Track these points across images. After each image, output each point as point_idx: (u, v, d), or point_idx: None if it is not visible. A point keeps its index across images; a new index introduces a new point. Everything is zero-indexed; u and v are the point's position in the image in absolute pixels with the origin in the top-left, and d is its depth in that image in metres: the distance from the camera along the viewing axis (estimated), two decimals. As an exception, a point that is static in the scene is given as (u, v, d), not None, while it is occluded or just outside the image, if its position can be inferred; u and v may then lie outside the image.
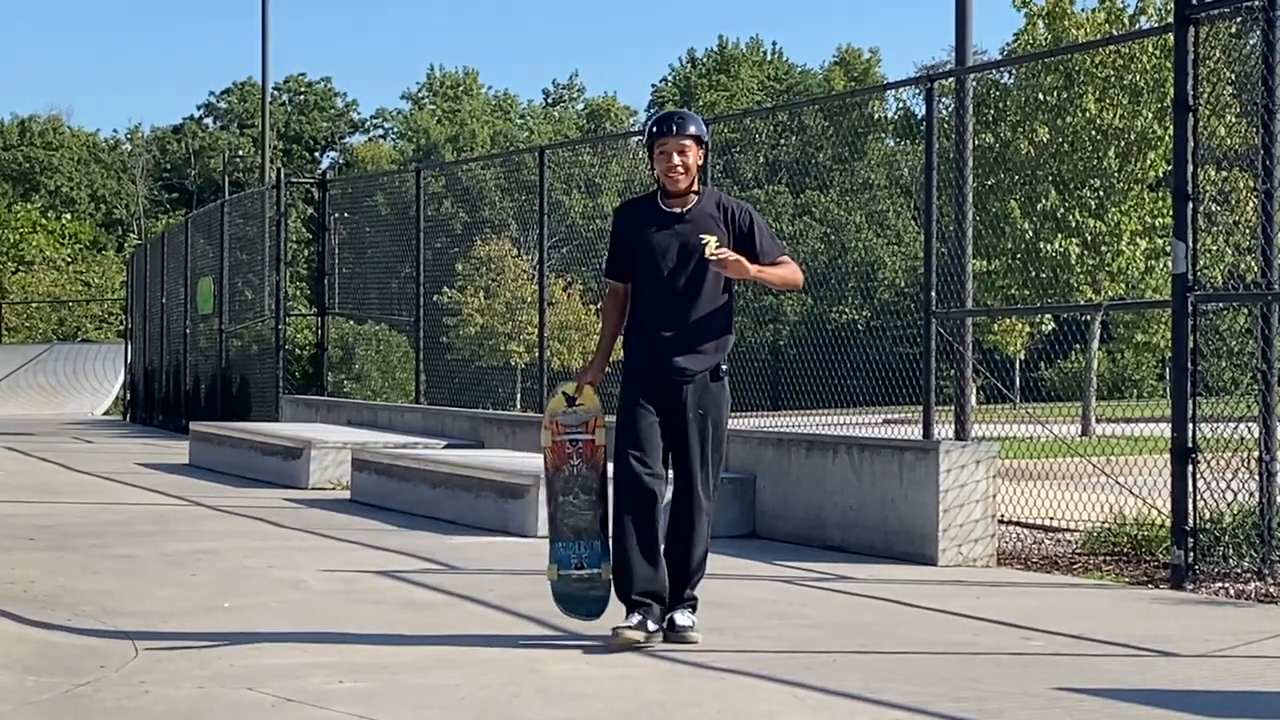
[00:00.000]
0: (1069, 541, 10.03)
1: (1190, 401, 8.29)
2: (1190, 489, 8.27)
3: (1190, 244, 8.32)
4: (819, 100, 29.78)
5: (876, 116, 17.86)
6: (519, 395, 24.11)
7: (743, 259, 6.36)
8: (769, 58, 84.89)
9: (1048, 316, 22.79)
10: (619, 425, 6.48)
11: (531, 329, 18.02)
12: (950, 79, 11.71)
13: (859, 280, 23.21)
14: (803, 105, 21.88)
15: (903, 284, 25.28)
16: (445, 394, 19.29)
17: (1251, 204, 9.05)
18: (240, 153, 78.78)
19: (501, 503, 10.94)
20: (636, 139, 16.58)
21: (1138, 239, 23.52)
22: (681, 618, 6.45)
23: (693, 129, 6.50)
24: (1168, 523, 8.62)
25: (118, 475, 15.74)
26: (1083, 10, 25.08)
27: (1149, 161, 22.96)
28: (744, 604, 7.63)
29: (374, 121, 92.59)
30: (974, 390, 12.19)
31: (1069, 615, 7.47)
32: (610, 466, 6.57)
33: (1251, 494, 8.26)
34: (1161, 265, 22.87)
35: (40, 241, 64.44)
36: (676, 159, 6.47)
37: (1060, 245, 22.94)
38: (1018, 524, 10.55)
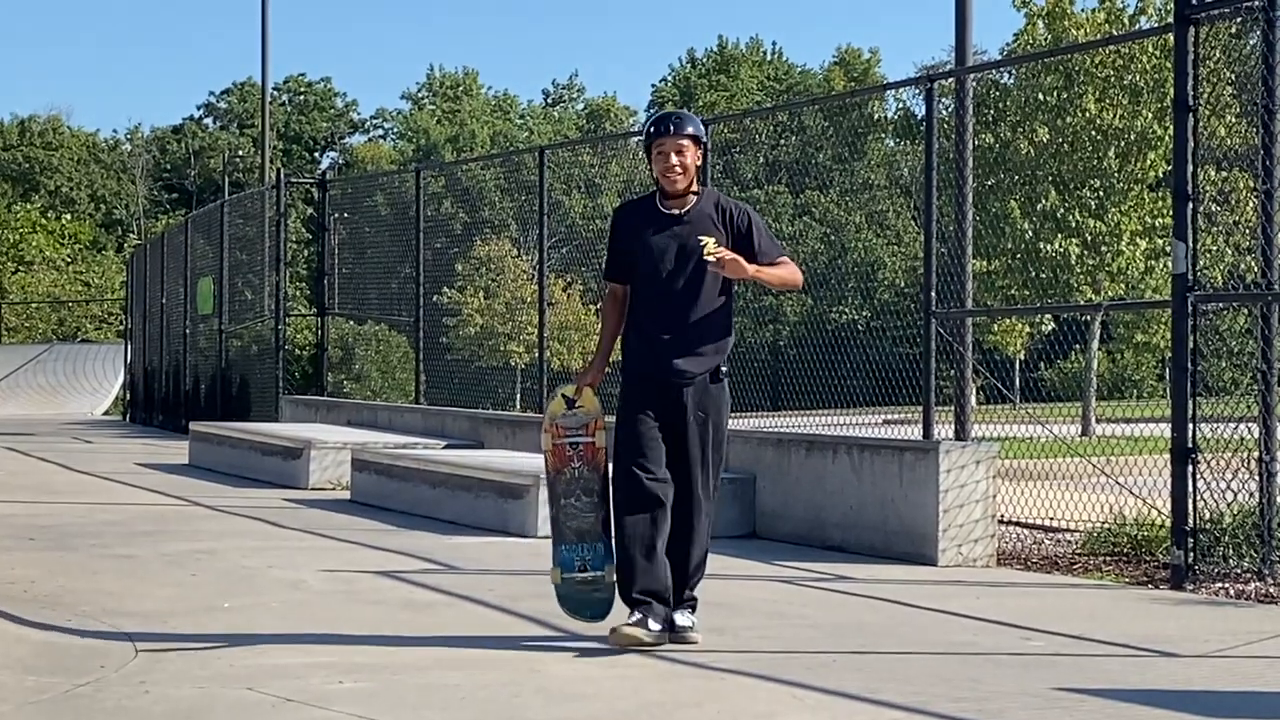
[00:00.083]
0: (1069, 542, 10.03)
1: (1190, 402, 8.29)
2: (1190, 489, 8.27)
3: (1190, 244, 8.32)
4: (819, 100, 29.78)
5: (876, 117, 17.88)
6: (519, 395, 24.11)
7: (740, 258, 6.34)
8: (769, 58, 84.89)
9: (1047, 317, 22.80)
10: (619, 429, 6.46)
11: (531, 329, 18.02)
12: (950, 79, 11.71)
13: (859, 280, 23.23)
14: (803, 105, 21.88)
15: (903, 284, 25.29)
16: (445, 394, 19.30)
17: (1251, 204, 9.05)
18: (240, 153, 78.79)
19: (501, 503, 10.94)
20: (636, 139, 16.59)
21: (1138, 239, 23.52)
22: (681, 618, 6.46)
23: (690, 129, 6.49)
24: (1168, 523, 8.62)
25: (117, 475, 15.74)
26: (1083, 10, 25.09)
27: (1149, 162, 22.96)
28: (744, 604, 7.63)
29: (374, 122, 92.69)
30: (974, 390, 12.19)
31: (1069, 615, 7.47)
32: (611, 468, 6.56)
33: (1251, 494, 8.26)
34: (1161, 265, 22.87)
35: (40, 241, 64.45)
36: (674, 159, 6.46)
37: (1060, 245, 22.94)
38: (1018, 524, 10.55)
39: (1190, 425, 8.27)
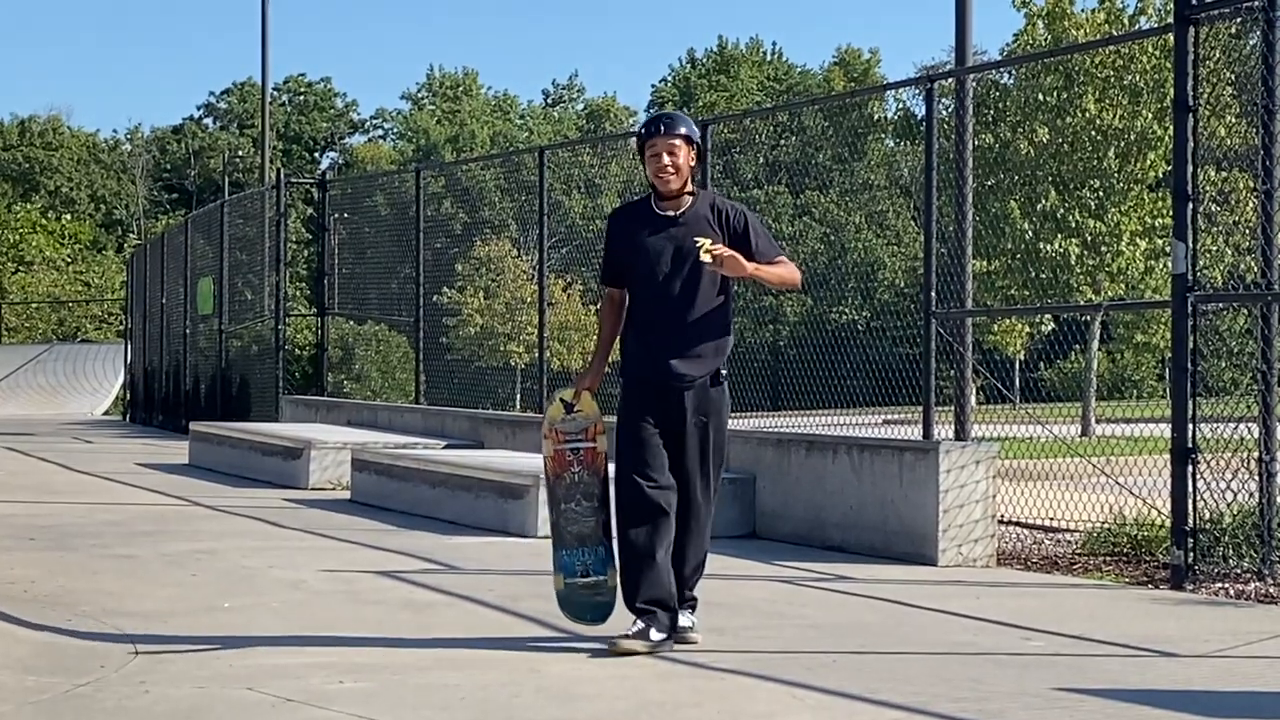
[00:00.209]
0: (1069, 542, 10.03)
1: (1190, 402, 8.29)
2: (1190, 489, 8.27)
3: (1190, 244, 8.32)
4: (819, 101, 29.78)
5: (876, 117, 17.86)
6: (519, 395, 24.10)
7: (738, 256, 6.30)
8: (769, 58, 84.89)
9: (1047, 317, 22.79)
10: (619, 435, 6.43)
11: (531, 329, 18.02)
12: (950, 79, 11.70)
13: (859, 281, 23.22)
14: (802, 106, 21.88)
15: (902, 284, 25.28)
16: (445, 394, 19.29)
17: (1251, 204, 9.05)
18: (240, 153, 78.79)
19: (501, 503, 10.94)
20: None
21: (1137, 239, 23.51)
22: (682, 618, 6.45)
23: (682, 129, 6.46)
24: (1168, 523, 8.62)
25: (117, 475, 15.74)
26: (1082, 11, 25.09)
27: (1149, 162, 22.95)
28: (744, 604, 7.63)
29: (374, 122, 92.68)
30: (974, 390, 12.19)
31: (1069, 615, 7.47)
32: (611, 469, 6.55)
33: (1251, 494, 8.26)
34: (1161, 265, 22.86)
35: (40, 242, 64.46)
36: (666, 159, 6.42)
37: (1060, 245, 22.94)
38: (1018, 524, 10.55)
39: (1190, 425, 8.27)
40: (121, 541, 10.12)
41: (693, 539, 6.44)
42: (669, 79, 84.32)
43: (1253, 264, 8.52)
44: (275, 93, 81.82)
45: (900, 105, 17.98)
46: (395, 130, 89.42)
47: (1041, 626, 7.13)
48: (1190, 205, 8.34)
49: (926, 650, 6.52)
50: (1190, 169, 8.33)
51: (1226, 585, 8.13)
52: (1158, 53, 21.24)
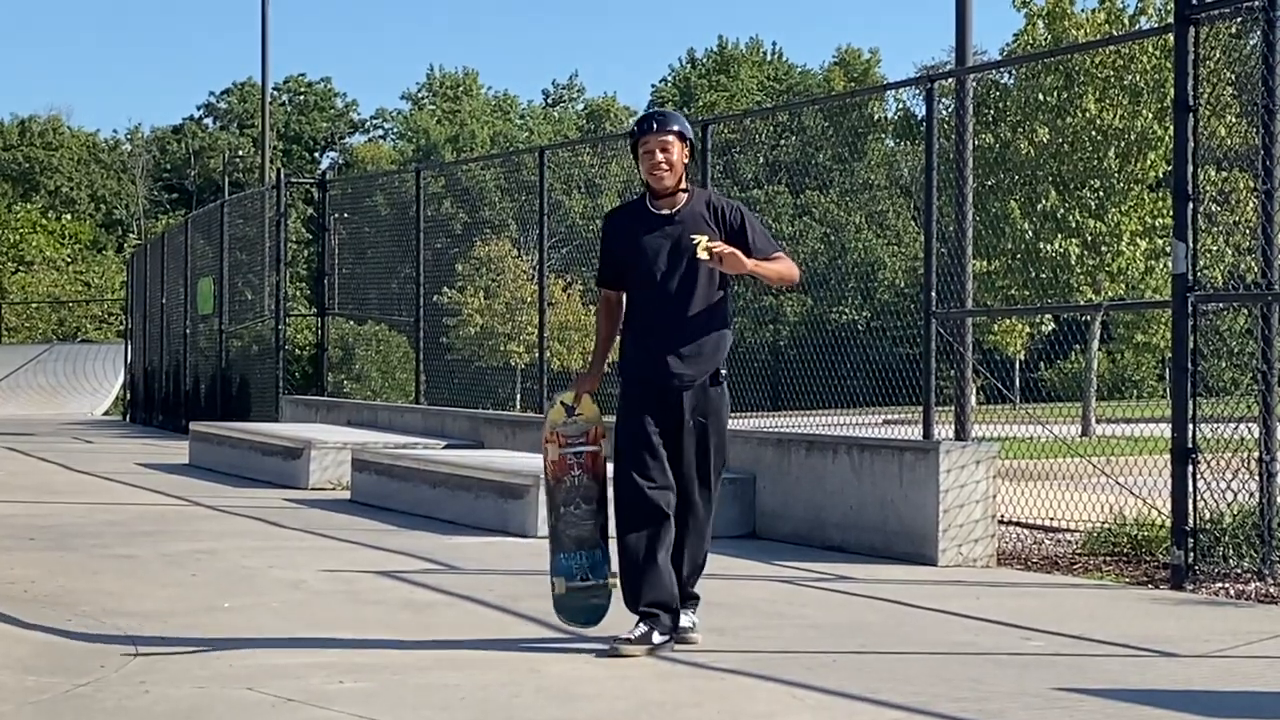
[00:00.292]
0: (1069, 542, 10.03)
1: (1190, 402, 8.28)
2: (1190, 489, 8.27)
3: (1190, 244, 8.32)
4: (819, 101, 29.78)
5: (876, 117, 17.87)
6: (519, 395, 24.10)
7: (737, 252, 6.26)
8: (769, 58, 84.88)
9: (1048, 317, 22.79)
10: (618, 436, 6.41)
11: (531, 329, 18.02)
12: (950, 79, 11.70)
13: (859, 281, 23.22)
14: (803, 106, 21.88)
15: (903, 284, 25.27)
16: (445, 394, 19.29)
17: (1251, 204, 9.05)
18: (240, 153, 78.79)
19: (501, 503, 10.94)
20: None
21: (1138, 239, 23.51)
22: (683, 618, 6.44)
23: (675, 126, 6.43)
24: (1168, 523, 8.62)
25: (118, 475, 15.74)
26: (1083, 11, 25.08)
27: (1149, 162, 22.95)
28: (744, 604, 7.63)
29: (374, 122, 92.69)
30: (974, 390, 12.19)
31: (1069, 615, 7.47)
32: (610, 472, 6.54)
33: (1251, 494, 8.25)
34: (1161, 265, 22.86)
35: (40, 242, 64.46)
36: (660, 156, 6.39)
37: (1060, 246, 22.94)
38: (1018, 524, 10.55)
39: (1190, 425, 8.27)
40: (122, 541, 10.12)
41: (692, 538, 6.43)
42: (669, 79, 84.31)
43: (1253, 264, 8.52)
44: (275, 93, 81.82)
45: (900, 105, 18.00)
46: (395, 130, 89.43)
47: (1041, 626, 7.12)
48: (1190, 205, 8.34)
49: (927, 650, 6.52)
50: (1190, 169, 8.33)
51: (1227, 585, 8.13)
52: (1158, 53, 21.23)
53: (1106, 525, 9.69)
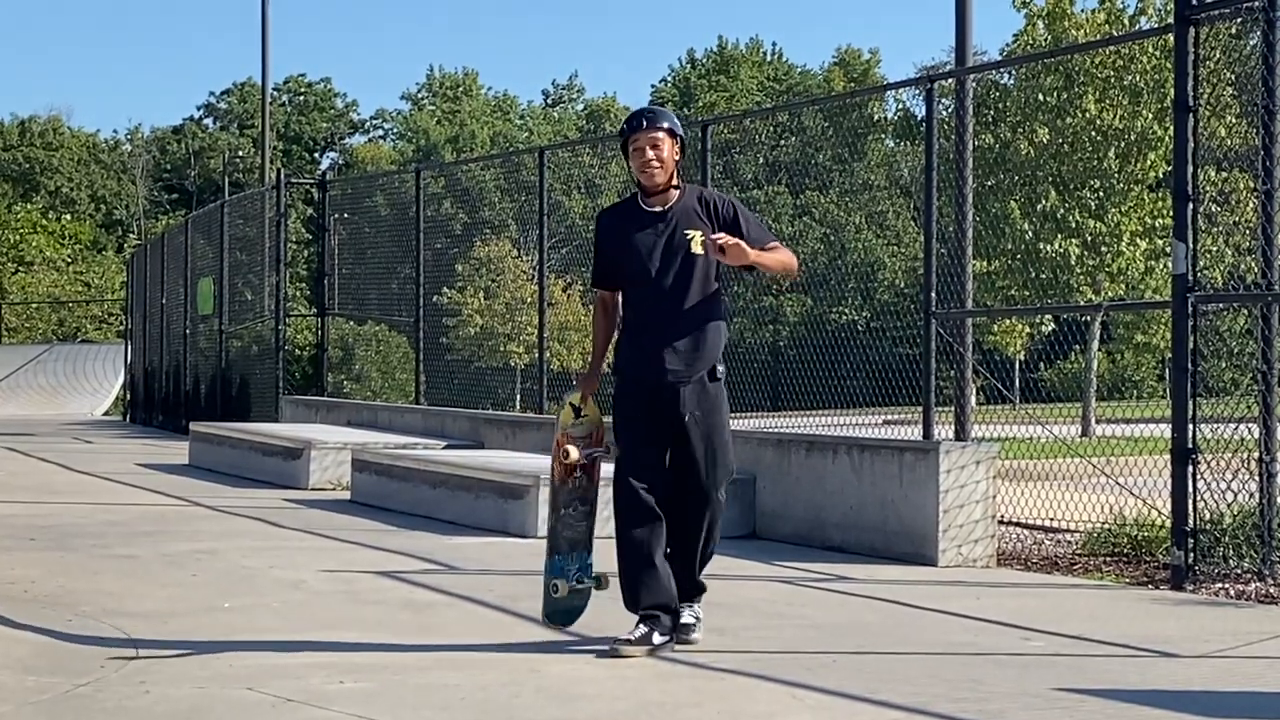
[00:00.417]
0: (1069, 542, 10.03)
1: (1190, 402, 8.28)
2: (1190, 490, 8.27)
3: (1190, 245, 8.31)
4: (819, 101, 29.77)
5: (876, 117, 17.85)
6: (519, 396, 24.10)
7: (741, 243, 6.23)
8: (769, 58, 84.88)
9: (1047, 317, 22.79)
10: (616, 437, 6.40)
11: (531, 329, 18.03)
12: (950, 79, 11.71)
13: (859, 281, 23.20)
14: (802, 106, 21.87)
15: (903, 285, 25.27)
16: (445, 394, 19.29)
17: (1251, 204, 9.05)
18: (240, 153, 78.78)
19: (501, 503, 10.94)
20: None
21: (1138, 239, 23.51)
22: (685, 614, 6.42)
23: (665, 123, 6.40)
24: (1168, 523, 8.62)
25: (118, 475, 15.74)
26: (1082, 11, 25.08)
27: (1149, 162, 22.95)
28: (744, 604, 7.63)
29: (374, 122, 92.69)
30: (974, 391, 12.19)
31: (1069, 616, 7.47)
32: (603, 473, 6.53)
33: (1251, 495, 8.25)
34: (1161, 266, 22.86)
35: (40, 242, 64.47)
36: (650, 153, 6.36)
37: (1060, 246, 22.93)
38: (1018, 524, 10.55)
39: (1190, 426, 8.27)
40: (122, 542, 10.12)
41: (702, 535, 6.36)
42: (669, 79, 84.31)
43: (1253, 264, 8.52)
44: (275, 93, 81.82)
45: (900, 105, 17.98)
46: (395, 130, 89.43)
47: (1041, 627, 7.12)
48: (1190, 205, 8.34)
49: (926, 650, 6.52)
50: (1190, 169, 8.33)
51: (1227, 585, 8.13)
52: (1158, 53, 21.23)
53: (1106, 525, 9.69)
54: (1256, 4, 8.24)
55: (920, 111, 10.97)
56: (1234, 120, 9.96)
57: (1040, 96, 22.77)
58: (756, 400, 14.91)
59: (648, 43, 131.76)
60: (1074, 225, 23.07)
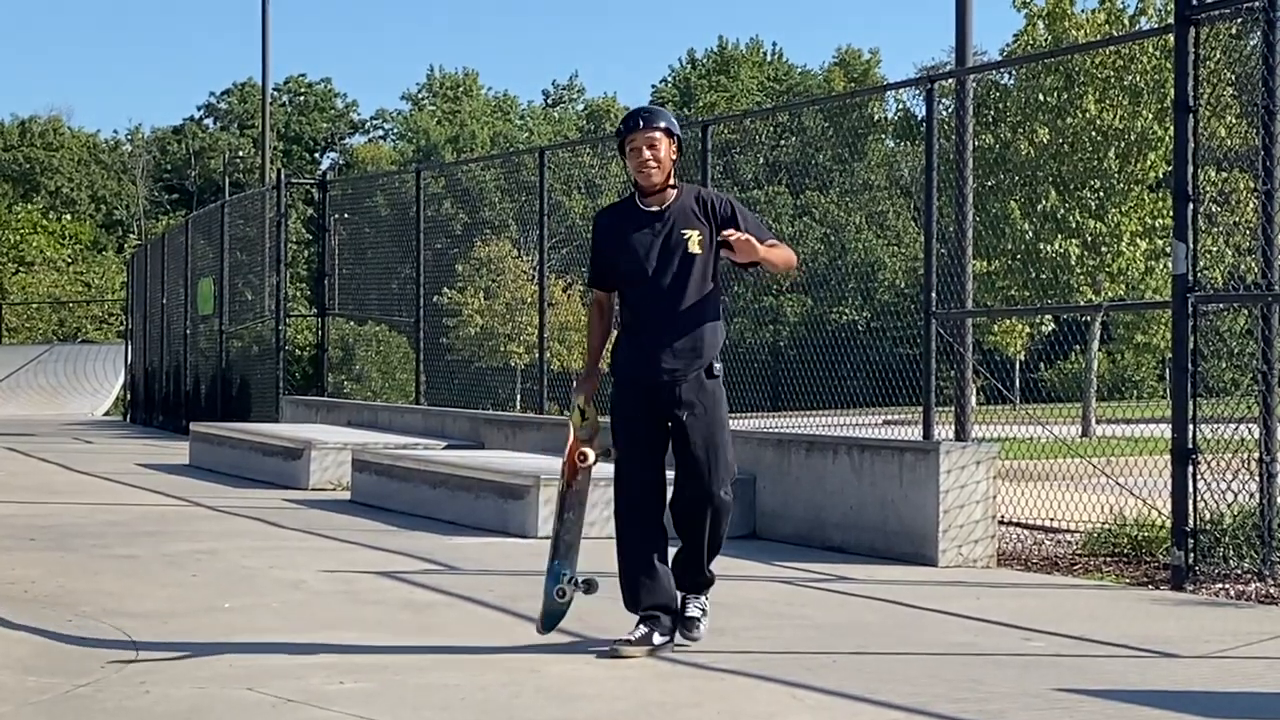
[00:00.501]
0: (1069, 542, 10.03)
1: (1191, 402, 8.28)
2: (1190, 490, 8.27)
3: (1190, 245, 8.31)
4: (819, 101, 29.77)
5: (876, 117, 17.87)
6: (519, 396, 24.11)
7: (751, 238, 6.22)
8: (769, 58, 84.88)
9: (1048, 317, 22.79)
10: (615, 437, 6.39)
11: (531, 330, 18.03)
12: (950, 80, 11.71)
13: (859, 281, 23.21)
14: (803, 106, 21.88)
15: (903, 285, 25.27)
16: (445, 395, 19.30)
17: (1252, 205, 9.05)
18: (240, 153, 78.78)
19: (501, 503, 10.94)
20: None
21: (1138, 240, 23.51)
22: (691, 608, 6.40)
23: (661, 122, 6.39)
24: (1168, 523, 8.62)
25: (118, 476, 15.74)
26: (1083, 11, 25.09)
27: (1149, 162, 22.95)
28: (744, 604, 7.62)
29: (374, 122, 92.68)
30: (974, 391, 12.19)
31: (1069, 616, 7.47)
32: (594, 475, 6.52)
33: (1252, 495, 8.26)
34: (1162, 266, 22.86)
35: (40, 242, 64.47)
36: (647, 153, 6.35)
37: (1060, 246, 22.94)
38: (1018, 525, 10.55)
39: (1190, 426, 8.27)
40: (122, 542, 10.12)
41: (709, 529, 6.32)
42: (669, 79, 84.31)
43: (1253, 264, 8.52)
44: (275, 93, 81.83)
45: (900, 106, 17.99)
46: (395, 131, 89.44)
47: (1042, 627, 7.12)
48: (1190, 206, 8.34)
49: (926, 650, 6.52)
50: (1191, 169, 8.33)
51: (1227, 586, 8.13)
52: (1158, 53, 21.23)
53: (1107, 526, 9.69)
54: (1257, 4, 8.24)
55: (920, 111, 10.98)
56: (1234, 120, 9.96)
57: (1040, 97, 22.77)
58: (756, 400, 14.91)
59: (648, 43, 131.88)
60: (1074, 225, 23.08)
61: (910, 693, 5.61)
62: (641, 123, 6.40)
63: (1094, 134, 22.91)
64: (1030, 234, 22.99)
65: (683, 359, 6.32)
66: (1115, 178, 23.23)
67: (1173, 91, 8.65)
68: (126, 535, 10.52)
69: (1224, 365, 8.72)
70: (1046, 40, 24.83)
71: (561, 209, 20.25)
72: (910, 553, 9.33)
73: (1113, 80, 22.69)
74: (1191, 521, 8.27)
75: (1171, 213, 8.77)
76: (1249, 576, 8.17)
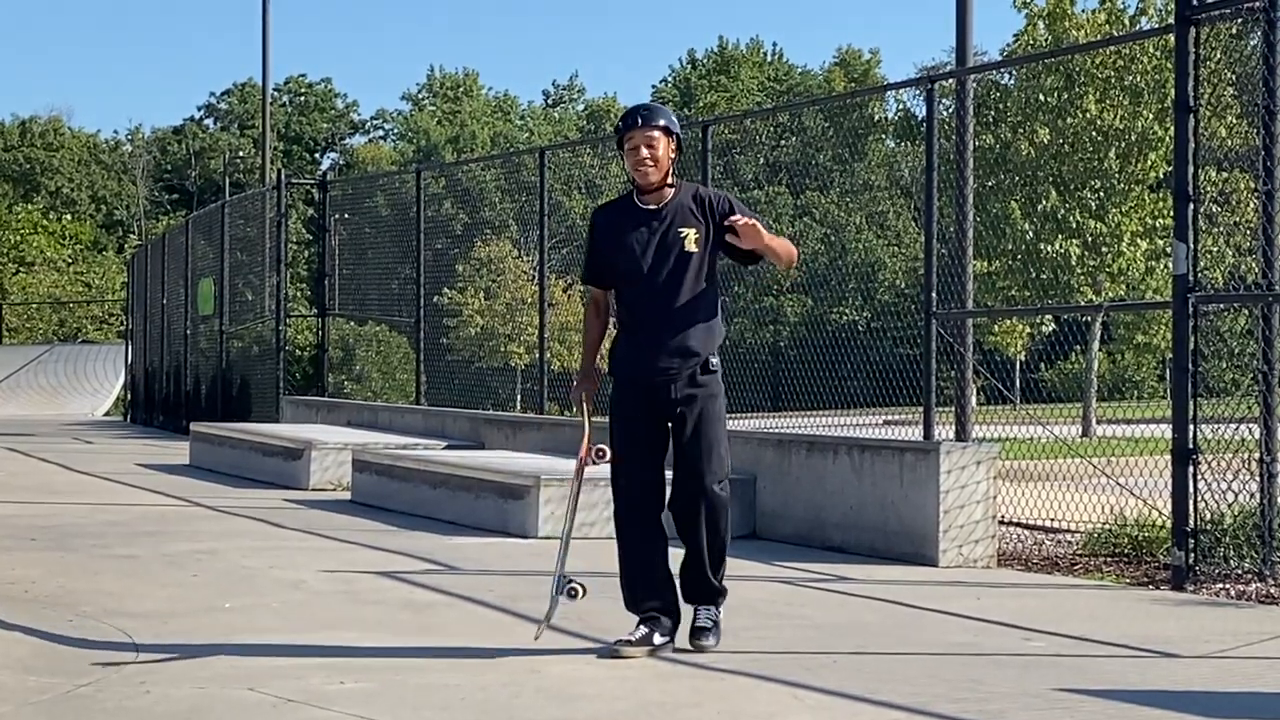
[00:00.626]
0: (1070, 542, 10.02)
1: (1191, 403, 8.28)
2: (1191, 490, 8.27)
3: (1191, 245, 8.31)
4: (819, 101, 29.77)
5: (877, 117, 17.86)
6: (519, 396, 24.11)
7: (756, 224, 6.20)
8: (769, 59, 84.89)
9: (1048, 317, 22.80)
10: (613, 438, 6.37)
11: (531, 330, 18.02)
12: (950, 80, 11.70)
13: (859, 281, 23.21)
14: (803, 106, 21.88)
15: (903, 285, 25.28)
16: (445, 395, 19.30)
17: (1252, 205, 9.05)
18: (241, 154, 78.79)
19: (501, 503, 10.94)
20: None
21: (1138, 240, 23.51)
22: (700, 618, 6.37)
23: (660, 120, 6.36)
24: (1168, 524, 8.62)
25: (118, 476, 15.74)
26: (1083, 11, 25.09)
27: (1150, 162, 22.95)
28: (744, 604, 7.61)
29: (374, 122, 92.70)
30: (974, 391, 12.19)
31: (1069, 616, 7.47)
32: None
33: (1252, 495, 8.25)
34: (1162, 266, 22.86)
35: (41, 242, 64.49)
36: (645, 151, 6.33)
37: (1061, 246, 22.93)
38: (1018, 525, 10.55)
39: (1191, 426, 8.26)
40: (122, 542, 10.12)
41: (710, 528, 6.30)
42: (669, 79, 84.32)
43: (1254, 265, 8.52)
44: (276, 93, 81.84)
45: (900, 106, 17.98)
46: (396, 131, 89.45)
47: (1042, 627, 7.12)
48: (1191, 206, 8.34)
49: (927, 650, 6.52)
50: (1191, 169, 8.33)
51: (1227, 586, 8.13)
52: (1158, 53, 21.23)
53: (1107, 526, 9.69)
54: (1257, 4, 8.24)
55: (920, 112, 10.98)
56: (1234, 120, 9.96)
57: (1041, 97, 22.77)
58: (757, 400, 14.92)
59: (648, 43, 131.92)
60: (1074, 225, 23.07)
61: (910, 693, 5.61)
62: (640, 120, 6.37)
63: (1094, 134, 22.91)
64: (1031, 234, 22.99)
65: (678, 357, 6.30)
66: (1116, 178, 23.23)
67: (1173, 92, 8.65)
68: (127, 535, 10.52)
69: (1224, 365, 8.72)
70: (1047, 40, 24.83)
71: (562, 209, 20.24)
72: (910, 553, 9.32)
73: (1113, 80, 22.69)
74: (1192, 521, 8.26)
75: (1172, 213, 8.76)
76: (1249, 576, 8.17)
